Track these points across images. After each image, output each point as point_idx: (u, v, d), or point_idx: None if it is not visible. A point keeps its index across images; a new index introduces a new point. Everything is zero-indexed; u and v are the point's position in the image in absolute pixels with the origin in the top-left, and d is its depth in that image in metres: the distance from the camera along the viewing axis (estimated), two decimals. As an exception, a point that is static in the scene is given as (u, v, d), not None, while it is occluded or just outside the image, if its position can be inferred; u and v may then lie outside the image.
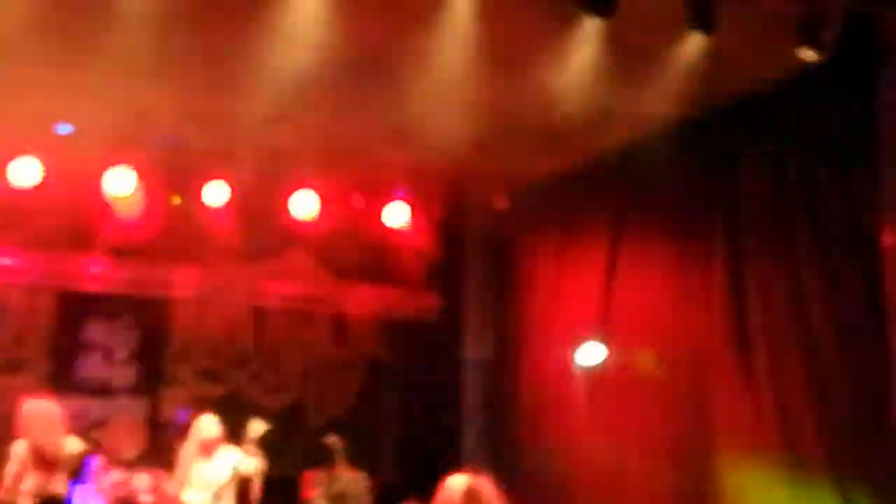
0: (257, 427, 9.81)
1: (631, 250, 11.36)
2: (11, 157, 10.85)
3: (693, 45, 9.07)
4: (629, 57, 9.50)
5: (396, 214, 12.60)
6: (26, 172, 10.98)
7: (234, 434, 10.31)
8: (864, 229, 8.66)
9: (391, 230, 12.67)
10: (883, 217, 8.52)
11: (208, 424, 9.88)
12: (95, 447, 10.28)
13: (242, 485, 9.94)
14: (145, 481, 10.49)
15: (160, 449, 11.21)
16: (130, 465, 10.82)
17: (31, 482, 8.58)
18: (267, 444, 10.46)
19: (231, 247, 12.40)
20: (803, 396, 9.33)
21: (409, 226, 12.76)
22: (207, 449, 9.76)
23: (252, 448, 9.85)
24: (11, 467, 8.48)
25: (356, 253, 13.10)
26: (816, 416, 9.13)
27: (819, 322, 9.19)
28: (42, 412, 8.76)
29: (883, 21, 8.59)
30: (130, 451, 11.21)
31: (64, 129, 10.97)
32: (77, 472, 9.22)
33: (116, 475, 10.49)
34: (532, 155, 12.34)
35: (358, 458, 11.08)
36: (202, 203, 11.86)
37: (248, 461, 9.81)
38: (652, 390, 10.82)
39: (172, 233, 12.01)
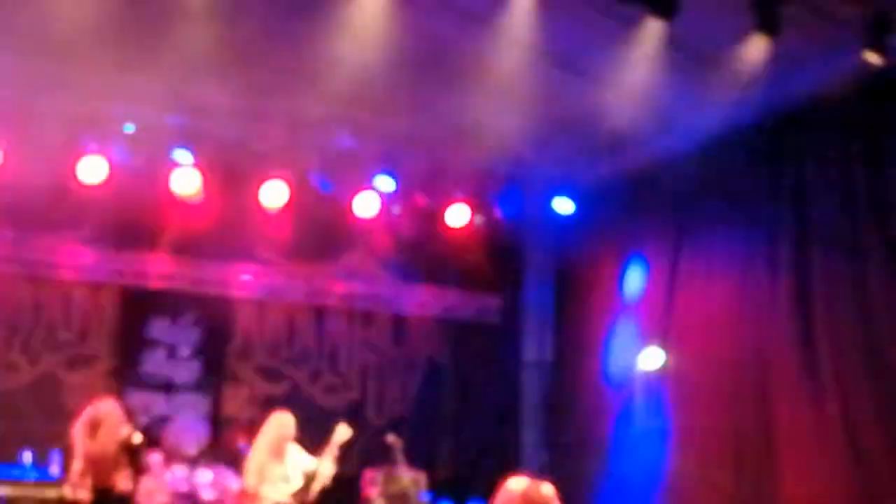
0: (343, 432, 9.73)
1: (694, 254, 11.29)
2: (79, 156, 10.96)
3: (757, 47, 9.02)
4: (692, 59, 9.57)
5: (458, 215, 12.55)
6: (92, 170, 11.08)
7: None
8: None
9: (453, 231, 12.65)
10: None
11: (285, 421, 9.81)
12: (158, 443, 10.49)
13: (308, 484, 9.97)
14: (207, 477, 10.67)
15: (222, 445, 11.39)
16: (193, 460, 10.99)
17: (95, 477, 8.70)
18: (326, 443, 10.39)
19: (292, 246, 12.53)
20: (869, 404, 9.17)
21: (471, 227, 12.71)
22: (280, 446, 9.70)
23: (334, 451, 9.77)
24: (77, 463, 8.58)
25: (417, 254, 13.11)
26: (883, 424, 8.95)
27: (885, 328, 9.04)
28: (106, 409, 8.92)
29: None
30: (192, 447, 11.29)
31: (128, 128, 11.11)
32: (139, 467, 9.36)
33: (178, 470, 10.63)
34: (593, 157, 12.37)
35: (416, 458, 11.02)
36: (263, 202, 11.87)
37: (325, 464, 9.73)
38: (714, 395, 10.70)
39: (235, 232, 12.12)
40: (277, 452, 9.58)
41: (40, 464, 10.39)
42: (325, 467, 9.67)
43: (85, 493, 8.88)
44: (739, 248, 10.79)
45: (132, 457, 9.29)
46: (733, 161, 10.98)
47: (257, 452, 9.67)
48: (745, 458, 9.78)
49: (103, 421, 9.18)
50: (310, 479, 9.66)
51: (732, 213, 11.11)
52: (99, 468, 8.98)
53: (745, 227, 10.82)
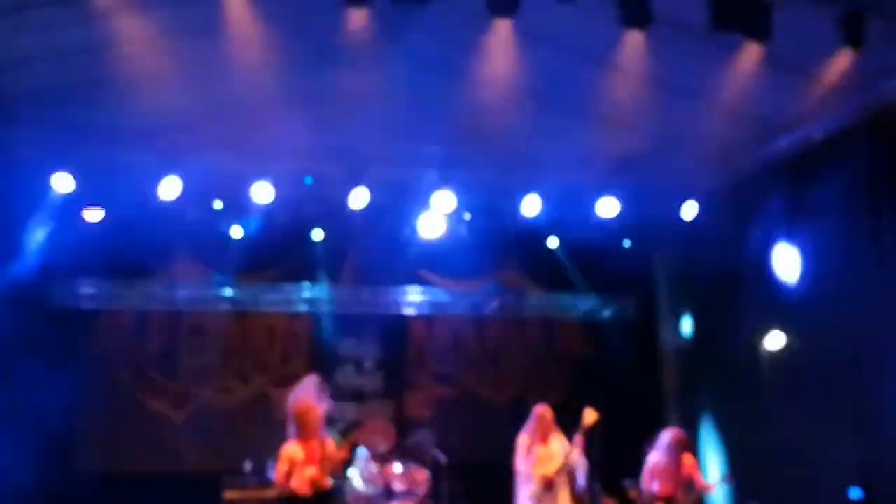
0: (589, 415, 9.81)
1: (806, 246, 11.26)
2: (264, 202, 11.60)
3: (844, 59, 9.01)
4: (787, 72, 9.56)
5: (593, 226, 12.56)
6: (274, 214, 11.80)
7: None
8: None
9: (591, 242, 12.61)
10: None
11: (544, 413, 9.97)
12: (354, 444, 10.57)
13: (570, 472, 9.99)
14: (398, 469, 11.06)
15: (408, 443, 11.78)
16: (384, 457, 11.29)
17: (300, 478, 8.78)
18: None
19: (452, 270, 12.97)
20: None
21: (608, 236, 12.73)
22: (545, 432, 9.85)
23: (583, 433, 9.84)
24: (282, 466, 8.74)
25: (560, 266, 13.25)
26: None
27: None
28: (309, 413, 8.96)
29: None
30: (383, 446, 11.53)
31: (308, 180, 11.77)
32: (339, 467, 9.54)
33: (373, 466, 11.05)
34: (702, 166, 12.42)
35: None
36: (424, 233, 12.34)
37: (576, 450, 9.94)
38: (835, 372, 10.60)
39: (404, 260, 12.61)
40: (543, 438, 9.78)
41: (259, 470, 10.60)
42: (574, 453, 9.71)
43: (303, 486, 8.79)
44: (846, 244, 10.70)
45: (332, 458, 9.07)
46: (832, 165, 10.75)
47: (522, 441, 9.86)
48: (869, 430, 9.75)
49: (307, 424, 9.06)
50: (566, 457, 9.67)
51: (834, 216, 10.87)
52: (303, 469, 8.86)
53: (849, 219, 10.62)
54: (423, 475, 11.20)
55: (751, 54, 9.06)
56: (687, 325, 13.86)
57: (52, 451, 10.97)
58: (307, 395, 9.21)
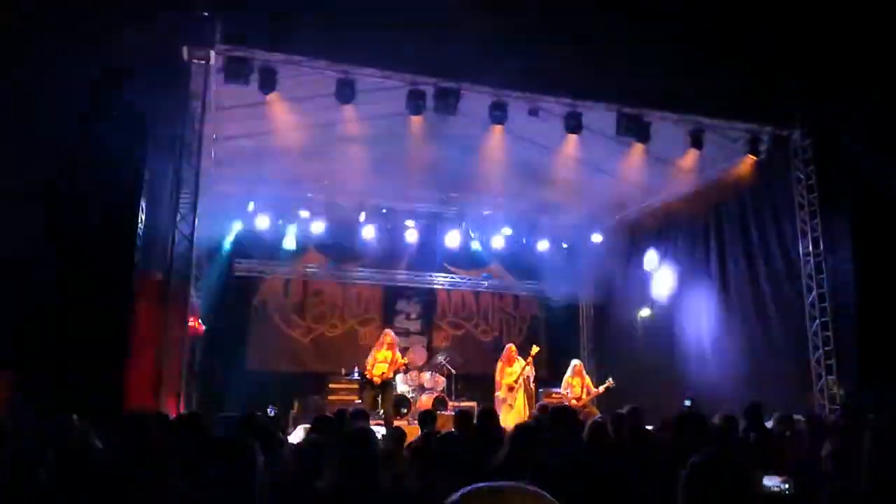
0: (535, 349, 9.91)
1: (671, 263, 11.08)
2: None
3: (692, 155, 9.10)
4: (656, 162, 9.61)
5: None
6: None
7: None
8: None
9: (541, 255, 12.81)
10: None
11: (511, 347, 9.98)
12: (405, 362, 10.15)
13: (525, 381, 9.85)
14: (427, 376, 11.15)
15: (435, 362, 11.86)
16: (420, 369, 11.67)
17: (375, 371, 9.26)
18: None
19: (463, 265, 13.14)
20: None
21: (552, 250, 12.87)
22: (511, 359, 9.82)
23: (531, 360, 9.75)
24: (369, 361, 9.27)
25: (525, 266, 13.13)
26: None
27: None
28: (387, 340, 9.51)
29: None
30: (420, 362, 12.11)
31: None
32: (396, 371, 9.67)
33: (413, 374, 11.11)
34: (612, 212, 12.14)
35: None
36: (448, 244, 12.50)
37: (528, 369, 9.76)
38: (671, 335, 10.74)
39: (435, 258, 12.92)
40: (509, 362, 9.94)
41: (349, 373, 10.67)
42: (527, 368, 9.60)
43: (375, 377, 9.45)
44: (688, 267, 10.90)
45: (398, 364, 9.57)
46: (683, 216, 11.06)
47: (499, 364, 9.94)
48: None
49: (387, 344, 9.68)
50: (522, 371, 9.59)
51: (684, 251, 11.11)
52: (382, 367, 9.47)
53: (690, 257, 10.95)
54: (441, 380, 11.38)
55: (637, 149, 9.25)
56: (593, 303, 13.83)
57: (231, 356, 11.28)
58: (388, 331, 9.86)
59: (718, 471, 1.88)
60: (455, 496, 1.17)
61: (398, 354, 9.77)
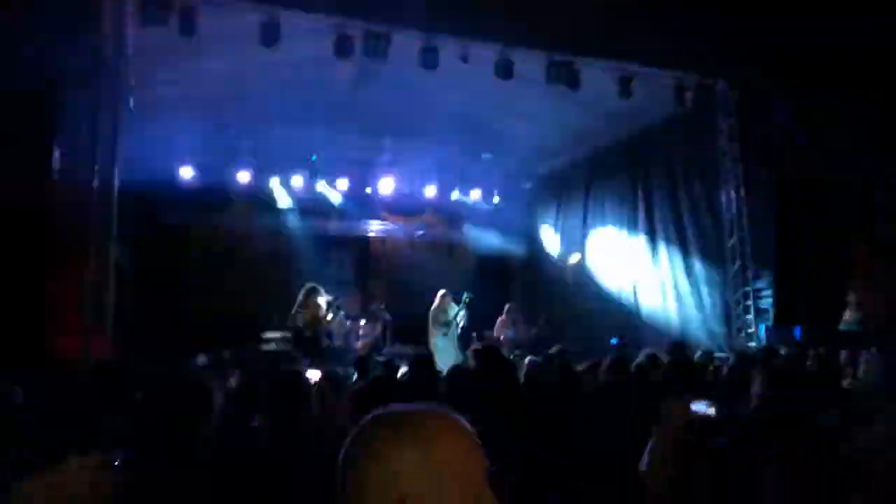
0: (467, 296, 10.20)
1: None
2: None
3: (617, 103, 9.03)
4: (586, 110, 9.74)
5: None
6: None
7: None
8: None
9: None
10: None
11: (445, 293, 10.22)
12: (340, 308, 10.25)
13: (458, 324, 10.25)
14: (362, 322, 10.91)
15: (367, 308, 11.51)
16: (355, 317, 11.20)
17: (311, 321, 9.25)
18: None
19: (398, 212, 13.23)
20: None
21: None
22: (444, 303, 10.15)
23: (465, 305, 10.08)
24: (306, 314, 9.26)
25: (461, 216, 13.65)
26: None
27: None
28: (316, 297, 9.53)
29: None
30: (355, 310, 11.68)
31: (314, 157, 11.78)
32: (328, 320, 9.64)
33: (347, 322, 10.77)
34: (542, 159, 12.69)
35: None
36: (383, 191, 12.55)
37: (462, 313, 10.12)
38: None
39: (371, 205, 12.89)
40: (442, 305, 10.24)
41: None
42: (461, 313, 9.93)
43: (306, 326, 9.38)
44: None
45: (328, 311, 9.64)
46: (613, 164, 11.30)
47: (433, 307, 10.19)
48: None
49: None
50: (456, 315, 9.94)
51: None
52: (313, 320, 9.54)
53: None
54: (377, 328, 11.10)
55: (568, 97, 8.98)
56: (525, 251, 13.92)
57: (160, 304, 10.78)
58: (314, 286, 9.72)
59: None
60: (368, 416, 1.16)
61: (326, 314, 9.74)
